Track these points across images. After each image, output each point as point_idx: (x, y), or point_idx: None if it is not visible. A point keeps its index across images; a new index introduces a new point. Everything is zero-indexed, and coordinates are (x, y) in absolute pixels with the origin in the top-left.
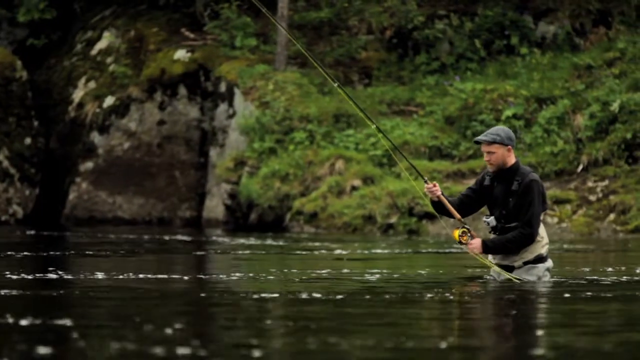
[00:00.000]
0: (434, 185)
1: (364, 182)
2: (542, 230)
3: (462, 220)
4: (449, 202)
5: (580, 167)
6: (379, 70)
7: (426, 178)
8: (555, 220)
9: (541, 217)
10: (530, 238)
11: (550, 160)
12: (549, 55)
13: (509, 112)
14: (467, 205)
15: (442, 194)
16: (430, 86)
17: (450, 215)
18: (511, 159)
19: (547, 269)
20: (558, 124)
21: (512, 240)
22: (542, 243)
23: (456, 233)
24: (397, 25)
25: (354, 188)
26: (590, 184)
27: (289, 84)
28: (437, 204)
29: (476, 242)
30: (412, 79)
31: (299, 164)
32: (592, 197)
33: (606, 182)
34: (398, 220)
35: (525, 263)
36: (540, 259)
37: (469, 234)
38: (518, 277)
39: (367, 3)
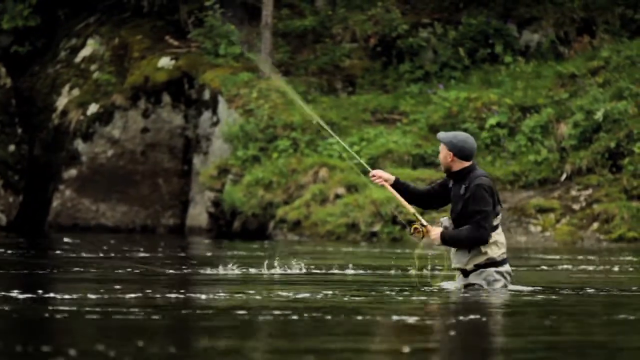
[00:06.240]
0: (374, 176)
1: (347, 190)
2: (499, 235)
3: (415, 213)
4: (408, 190)
5: (564, 176)
6: (362, 79)
7: (368, 167)
8: (539, 229)
9: (497, 221)
10: (480, 239)
11: (533, 169)
12: (533, 64)
13: (492, 121)
14: (433, 197)
15: (399, 182)
16: (414, 94)
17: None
18: (456, 165)
19: (501, 273)
20: (542, 132)
21: (465, 237)
22: (497, 247)
23: (412, 227)
24: (381, 34)
25: (337, 196)
26: (573, 192)
27: (273, 92)
28: (399, 192)
29: (436, 231)
30: (396, 87)
31: (283, 171)
32: (576, 206)
33: (590, 191)
34: (382, 229)
35: (477, 266)
36: (492, 263)
37: (421, 228)
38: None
39: (351, 11)
